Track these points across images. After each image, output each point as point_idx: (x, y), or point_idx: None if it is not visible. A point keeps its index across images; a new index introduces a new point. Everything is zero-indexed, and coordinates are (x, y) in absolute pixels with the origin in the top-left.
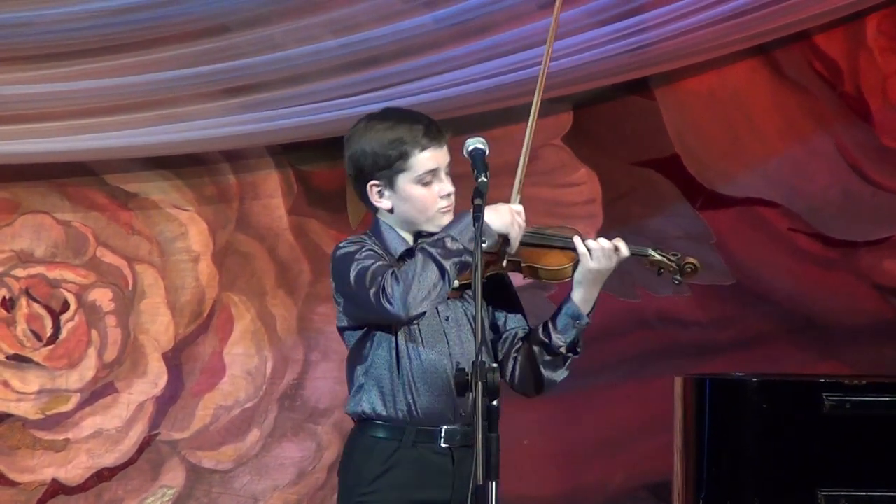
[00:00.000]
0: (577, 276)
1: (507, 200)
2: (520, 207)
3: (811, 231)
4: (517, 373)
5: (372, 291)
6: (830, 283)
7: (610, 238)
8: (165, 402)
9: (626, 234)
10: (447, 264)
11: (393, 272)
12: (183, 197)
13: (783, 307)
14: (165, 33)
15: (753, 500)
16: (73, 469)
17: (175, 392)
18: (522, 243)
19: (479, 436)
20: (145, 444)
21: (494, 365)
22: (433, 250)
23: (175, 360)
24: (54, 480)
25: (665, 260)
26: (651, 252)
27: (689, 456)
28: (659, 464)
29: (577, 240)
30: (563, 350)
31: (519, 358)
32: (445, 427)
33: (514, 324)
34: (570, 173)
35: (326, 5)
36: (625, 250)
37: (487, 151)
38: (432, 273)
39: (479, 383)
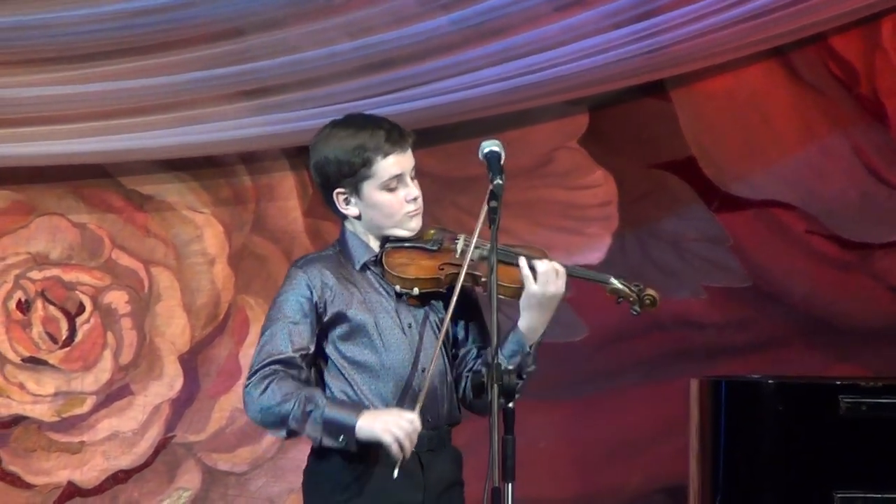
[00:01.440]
0: (521, 301)
1: (521, 201)
2: (412, 416)
3: (827, 233)
4: (468, 391)
5: (255, 366)
6: (847, 285)
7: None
8: (181, 405)
9: (642, 236)
10: (291, 427)
11: (278, 376)
12: (199, 199)
13: (799, 309)
14: (181, 36)
15: (769, 502)
16: (89, 471)
17: (191, 394)
18: (484, 258)
19: (495, 437)
20: (161, 447)
21: (510, 367)
22: (296, 409)
23: (191, 362)
24: (70, 483)
25: (625, 290)
26: (612, 281)
27: (705, 458)
28: (675, 467)
29: (522, 260)
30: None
31: (471, 377)
32: None
33: (471, 342)
34: (586, 175)
35: (342, 8)
36: (563, 273)
37: (503, 154)
38: (284, 417)
39: (496, 385)
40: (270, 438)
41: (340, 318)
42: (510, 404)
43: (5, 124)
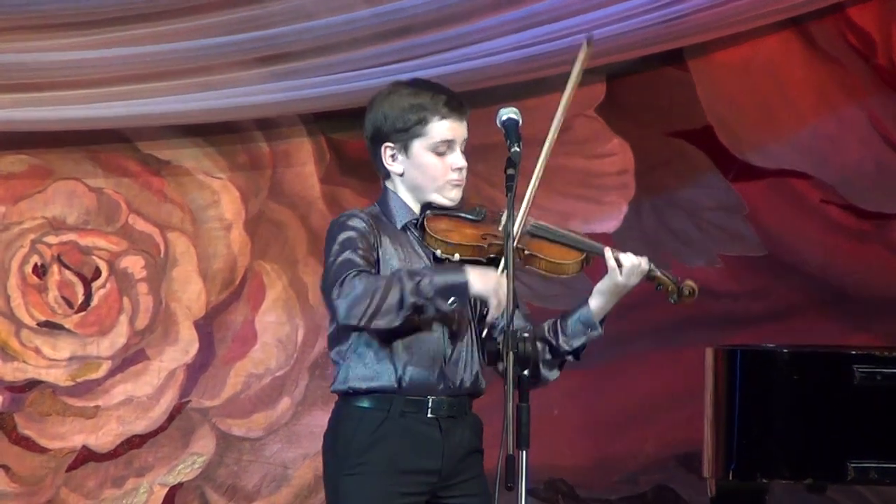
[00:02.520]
0: (600, 286)
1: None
2: (504, 281)
3: (843, 203)
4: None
5: (335, 273)
6: (862, 254)
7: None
8: (196, 370)
9: (659, 205)
10: (409, 302)
11: (361, 273)
12: (215, 165)
13: (815, 279)
14: (199, 2)
15: (783, 471)
16: (104, 436)
17: (206, 360)
18: (531, 234)
19: (510, 405)
20: (176, 412)
21: (526, 334)
22: (407, 283)
23: (206, 327)
24: (84, 447)
25: (665, 279)
26: (654, 269)
27: (719, 426)
28: (689, 434)
29: (607, 251)
30: (566, 354)
31: (487, 345)
32: (432, 398)
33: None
34: (603, 144)
35: None
36: (646, 266)
37: (521, 122)
38: (391, 301)
39: (511, 352)
40: (285, 404)
41: (383, 265)
42: (525, 372)
43: (24, 89)
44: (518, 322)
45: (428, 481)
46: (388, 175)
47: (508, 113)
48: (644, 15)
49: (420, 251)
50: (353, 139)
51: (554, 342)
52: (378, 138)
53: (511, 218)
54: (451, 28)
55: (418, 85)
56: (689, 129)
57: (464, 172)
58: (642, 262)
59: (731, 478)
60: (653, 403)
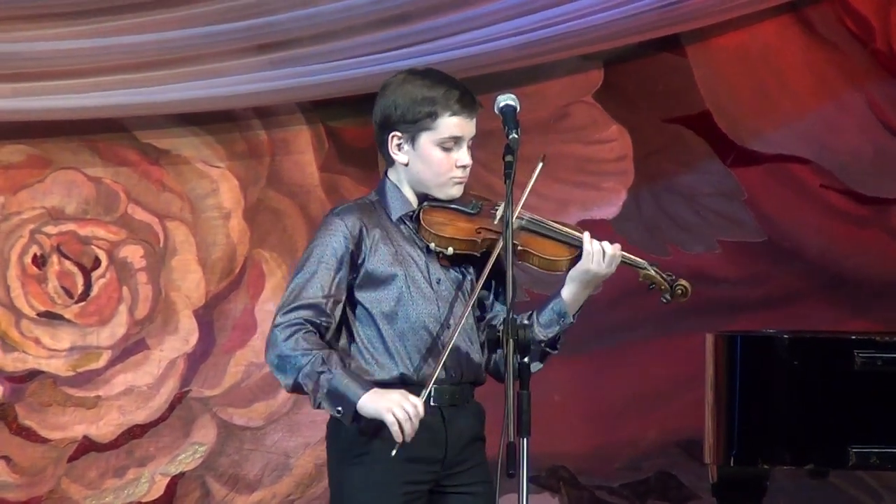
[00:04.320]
0: (571, 273)
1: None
2: (417, 402)
3: (842, 188)
4: (491, 356)
5: (282, 312)
6: (862, 239)
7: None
8: (197, 359)
9: (657, 191)
10: (300, 381)
11: (300, 325)
12: (214, 153)
13: (814, 264)
14: None
15: (784, 457)
16: (105, 426)
17: (206, 349)
18: (525, 229)
19: (511, 393)
20: (177, 401)
21: (526, 322)
22: (310, 368)
23: (206, 316)
24: (85, 437)
25: (658, 277)
26: (648, 267)
27: (720, 413)
28: (690, 421)
29: (586, 236)
30: (542, 344)
31: (487, 332)
32: (434, 386)
33: (498, 308)
34: (602, 130)
35: None
36: (618, 257)
37: (518, 108)
38: (288, 373)
39: (511, 340)
40: (286, 394)
41: (372, 267)
42: (525, 359)
43: (22, 78)
44: (503, 308)
45: (431, 469)
46: (391, 163)
47: (506, 100)
48: (641, 0)
49: (412, 244)
50: (352, 127)
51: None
52: (386, 126)
53: (509, 205)
54: (450, 15)
55: (433, 77)
56: (688, 115)
57: (467, 170)
58: (615, 250)
59: (732, 464)
60: (654, 390)
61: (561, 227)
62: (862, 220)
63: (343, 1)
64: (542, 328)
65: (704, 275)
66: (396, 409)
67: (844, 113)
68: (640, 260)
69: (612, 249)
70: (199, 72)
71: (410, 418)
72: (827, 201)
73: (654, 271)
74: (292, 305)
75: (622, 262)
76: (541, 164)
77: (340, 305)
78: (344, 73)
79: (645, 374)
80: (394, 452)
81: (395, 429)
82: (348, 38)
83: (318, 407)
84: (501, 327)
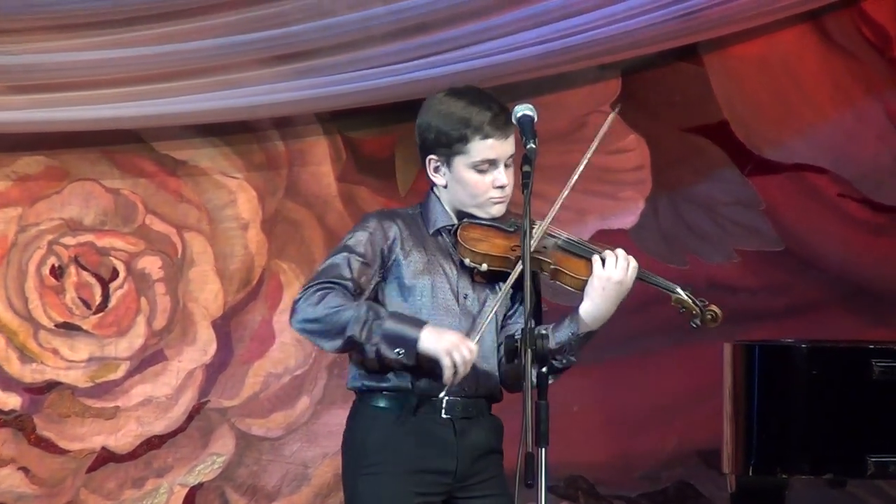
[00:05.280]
0: (587, 286)
1: (559, 165)
2: (472, 346)
3: (860, 197)
4: (506, 367)
5: (313, 278)
6: (880, 248)
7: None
8: (215, 370)
9: (675, 200)
10: (348, 333)
11: (333, 288)
12: (232, 164)
13: (833, 273)
14: (215, 1)
15: (803, 466)
16: (123, 437)
17: (224, 359)
18: (561, 249)
19: (528, 402)
20: (195, 412)
21: (544, 332)
22: (361, 315)
23: (224, 327)
24: (104, 448)
25: (690, 301)
26: (679, 291)
27: (738, 422)
28: (708, 430)
29: (595, 256)
30: (554, 361)
31: (505, 342)
32: (447, 398)
33: (519, 319)
34: (619, 140)
35: None
36: (634, 264)
37: (536, 118)
38: (332, 325)
39: (529, 350)
40: (304, 403)
41: (400, 273)
42: (543, 369)
43: (40, 90)
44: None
45: (443, 481)
46: (433, 183)
47: (524, 110)
48: (659, 10)
49: (446, 257)
50: (370, 137)
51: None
52: (424, 148)
53: (527, 215)
54: (468, 25)
55: (467, 97)
56: (705, 125)
57: (507, 190)
58: (630, 261)
59: (751, 473)
60: (672, 400)
61: (587, 244)
62: (880, 229)
63: (361, 11)
64: (555, 344)
65: (722, 284)
66: (455, 352)
67: (862, 122)
68: (671, 284)
69: (619, 253)
70: (217, 82)
71: (466, 362)
72: (845, 210)
73: (686, 295)
74: (317, 281)
75: (652, 283)
76: (613, 113)
77: (363, 297)
78: (362, 83)
79: (663, 384)
80: (442, 394)
81: (449, 372)
82: (366, 49)
83: (376, 354)
84: (519, 337)
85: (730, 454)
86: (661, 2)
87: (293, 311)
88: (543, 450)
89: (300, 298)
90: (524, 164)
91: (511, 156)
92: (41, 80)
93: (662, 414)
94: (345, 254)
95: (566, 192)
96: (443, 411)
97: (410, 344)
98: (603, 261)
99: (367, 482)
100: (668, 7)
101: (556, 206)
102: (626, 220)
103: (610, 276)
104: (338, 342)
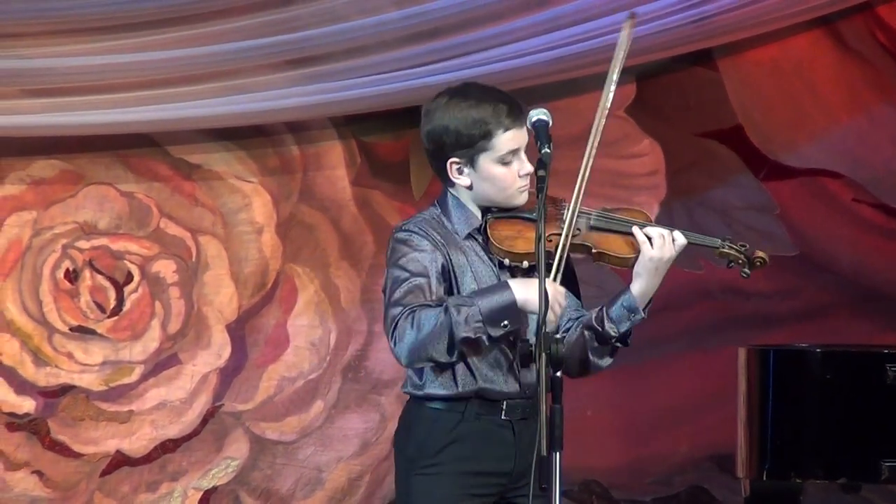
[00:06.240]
0: (637, 266)
1: (573, 170)
2: (561, 289)
3: (875, 202)
4: (562, 353)
5: (390, 317)
6: (894, 253)
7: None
8: (229, 374)
9: (690, 205)
10: (459, 338)
11: (413, 312)
12: (246, 168)
13: (847, 278)
14: (229, 5)
15: (817, 471)
16: (137, 440)
17: (239, 363)
18: (595, 228)
19: (543, 407)
20: (209, 416)
21: (558, 336)
22: (456, 317)
23: (238, 331)
24: (118, 452)
25: (735, 252)
26: (722, 244)
27: (752, 427)
28: (722, 435)
29: (635, 229)
30: (613, 340)
31: (519, 346)
32: (507, 400)
33: (567, 305)
34: (634, 144)
35: None
36: (681, 239)
37: (551, 123)
38: (441, 344)
39: (543, 354)
40: (318, 407)
41: (452, 282)
42: (558, 373)
43: (54, 93)
44: (571, 306)
45: (499, 483)
46: (452, 185)
47: (539, 114)
48: (673, 15)
49: (485, 256)
50: (384, 142)
51: (600, 329)
52: (441, 154)
53: (542, 219)
54: (481, 30)
55: (476, 94)
56: (720, 129)
57: (529, 176)
58: (674, 234)
59: (765, 478)
60: (686, 404)
61: (625, 217)
62: (894, 234)
63: (375, 16)
64: (612, 324)
65: (737, 289)
66: (552, 297)
67: (877, 127)
68: (713, 239)
69: (666, 231)
70: (231, 87)
71: (560, 303)
72: (859, 215)
73: (728, 247)
74: (397, 315)
75: (694, 243)
76: (629, 24)
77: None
78: (376, 87)
79: (677, 389)
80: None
81: (552, 316)
82: (380, 53)
83: (490, 341)
84: (534, 341)
85: (744, 458)
86: (676, 7)
87: (398, 351)
88: (558, 454)
89: (395, 339)
90: (539, 169)
91: (527, 142)
92: (56, 84)
93: (676, 418)
94: (412, 281)
95: (590, 161)
96: (503, 413)
97: (510, 309)
98: (650, 239)
99: (422, 482)
100: (682, 12)
101: (583, 176)
102: None
103: (661, 256)
104: (452, 356)
